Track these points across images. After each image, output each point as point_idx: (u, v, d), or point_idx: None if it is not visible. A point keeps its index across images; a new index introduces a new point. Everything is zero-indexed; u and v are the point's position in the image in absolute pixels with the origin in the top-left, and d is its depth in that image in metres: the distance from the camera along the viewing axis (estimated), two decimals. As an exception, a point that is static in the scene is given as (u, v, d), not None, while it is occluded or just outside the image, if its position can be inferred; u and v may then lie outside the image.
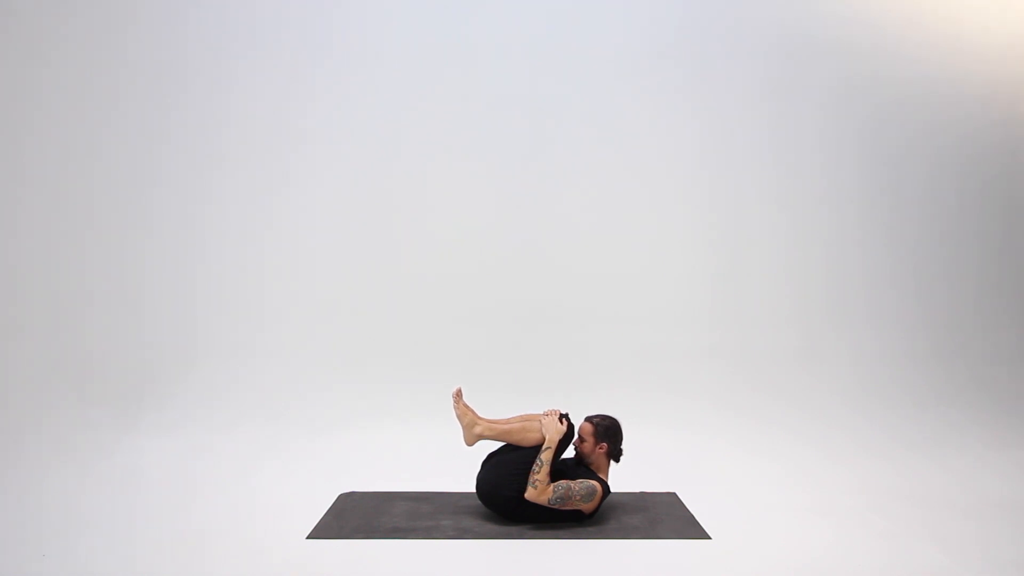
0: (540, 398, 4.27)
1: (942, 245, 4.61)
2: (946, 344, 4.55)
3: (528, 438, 3.04)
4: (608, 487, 3.09)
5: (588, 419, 3.18)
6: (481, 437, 3.10)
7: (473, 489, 3.24)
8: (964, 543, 2.85)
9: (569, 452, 3.21)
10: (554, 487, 2.96)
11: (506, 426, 3.10)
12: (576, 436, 3.17)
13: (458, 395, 3.18)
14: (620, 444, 3.15)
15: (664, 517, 3.13)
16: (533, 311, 4.40)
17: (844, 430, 4.20)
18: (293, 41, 4.40)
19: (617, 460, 3.17)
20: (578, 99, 4.47)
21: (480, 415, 3.16)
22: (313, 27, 4.41)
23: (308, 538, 2.88)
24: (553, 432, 2.99)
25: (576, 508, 2.97)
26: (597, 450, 3.11)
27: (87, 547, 2.77)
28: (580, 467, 3.16)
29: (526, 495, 2.94)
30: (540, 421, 3.05)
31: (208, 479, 3.60)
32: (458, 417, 3.15)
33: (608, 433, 3.12)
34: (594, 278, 4.43)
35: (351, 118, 4.39)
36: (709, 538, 2.89)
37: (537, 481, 2.94)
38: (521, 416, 3.14)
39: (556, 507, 2.95)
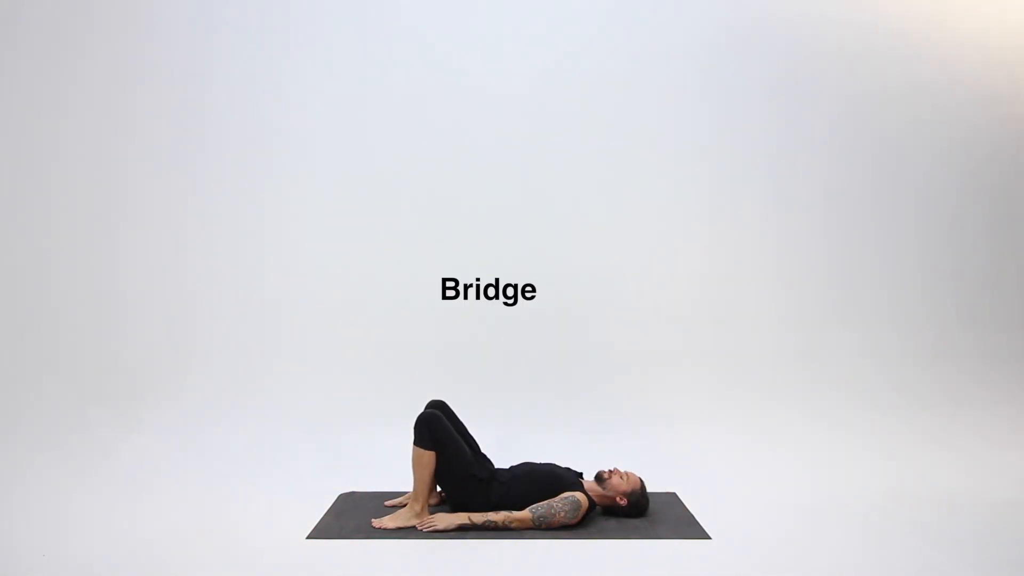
0: (538, 397, 4.27)
1: (944, 244, 4.61)
2: (947, 344, 4.54)
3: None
4: (594, 503, 3.09)
5: (642, 480, 3.18)
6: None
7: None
8: (964, 543, 2.85)
9: (581, 453, 3.20)
10: (531, 509, 2.96)
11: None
12: (620, 470, 3.18)
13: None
14: (631, 515, 3.13)
15: (664, 517, 3.13)
16: (533, 311, 4.39)
17: (845, 430, 4.20)
18: (290, 33, 4.39)
19: (615, 514, 3.15)
20: (579, 99, 4.47)
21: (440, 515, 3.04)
22: (311, 19, 4.40)
23: (308, 538, 2.88)
24: (452, 522, 2.96)
25: (562, 524, 2.97)
26: (619, 499, 3.10)
27: (86, 547, 2.77)
28: (573, 477, 3.15)
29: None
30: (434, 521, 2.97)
31: (207, 479, 3.60)
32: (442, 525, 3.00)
33: (636, 507, 3.12)
34: (593, 278, 4.43)
35: (352, 113, 4.38)
36: (709, 538, 2.89)
37: (512, 522, 2.94)
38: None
39: (542, 527, 2.94)
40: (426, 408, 3.19)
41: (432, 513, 3.06)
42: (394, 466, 3.52)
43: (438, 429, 3.01)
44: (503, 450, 3.62)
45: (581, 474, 3.25)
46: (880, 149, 4.57)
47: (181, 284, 4.30)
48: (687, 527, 3.01)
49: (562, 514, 2.95)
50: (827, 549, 2.79)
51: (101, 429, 3.95)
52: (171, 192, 4.32)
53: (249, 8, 4.36)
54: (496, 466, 3.32)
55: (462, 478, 3.06)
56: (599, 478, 3.15)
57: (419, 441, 3.01)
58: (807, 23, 4.53)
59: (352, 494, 3.44)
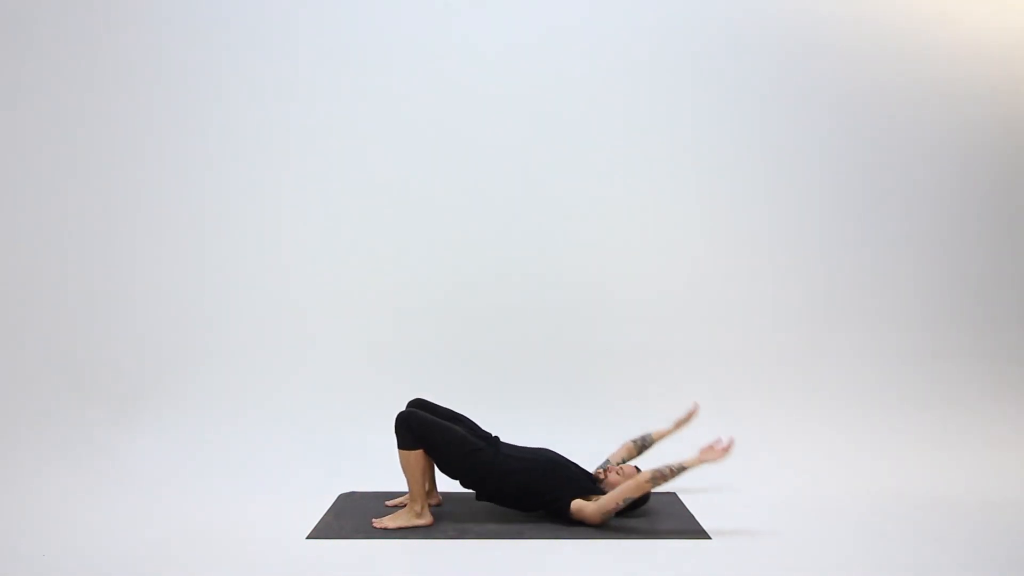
0: (538, 398, 4.27)
1: (943, 243, 4.61)
2: (947, 343, 4.54)
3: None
4: None
5: (637, 469, 3.16)
6: None
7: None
8: (964, 543, 2.85)
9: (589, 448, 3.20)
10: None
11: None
12: (614, 466, 3.17)
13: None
14: (638, 504, 3.11)
15: (664, 517, 3.13)
16: (535, 312, 4.40)
17: (845, 430, 4.20)
18: (302, 37, 4.39)
19: (621, 511, 3.14)
20: (577, 99, 4.47)
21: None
22: (324, 25, 4.41)
23: (308, 538, 2.87)
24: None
25: (584, 518, 2.97)
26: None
27: (87, 547, 2.77)
28: (586, 480, 3.14)
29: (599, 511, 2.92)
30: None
31: (208, 479, 3.60)
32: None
33: (641, 497, 3.08)
34: (593, 278, 4.43)
35: (358, 116, 4.39)
36: (709, 538, 2.89)
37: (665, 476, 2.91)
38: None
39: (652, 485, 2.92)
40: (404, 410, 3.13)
41: (433, 514, 3.05)
42: (394, 466, 3.50)
43: (417, 424, 2.96)
44: (503, 450, 3.61)
45: (596, 480, 3.20)
46: (877, 148, 4.57)
47: (182, 285, 4.30)
48: (687, 527, 3.01)
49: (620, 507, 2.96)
50: (827, 549, 2.79)
51: (101, 429, 3.95)
52: (173, 193, 4.32)
53: (262, 11, 4.36)
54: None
55: (462, 456, 2.98)
56: (594, 480, 3.15)
57: (401, 443, 2.97)
58: (804, 21, 4.53)
59: (352, 494, 3.44)
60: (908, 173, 4.58)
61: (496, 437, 3.19)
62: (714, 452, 2.91)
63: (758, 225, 4.51)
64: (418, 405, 3.20)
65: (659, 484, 2.92)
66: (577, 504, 2.96)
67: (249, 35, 4.36)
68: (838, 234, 4.55)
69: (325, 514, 3.14)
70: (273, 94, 4.36)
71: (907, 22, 4.55)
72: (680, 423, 3.41)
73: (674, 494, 3.43)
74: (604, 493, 3.06)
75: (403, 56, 4.41)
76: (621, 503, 2.92)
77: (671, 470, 2.90)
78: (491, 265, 4.40)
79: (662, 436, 3.42)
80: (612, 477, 3.11)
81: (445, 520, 3.07)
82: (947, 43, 4.57)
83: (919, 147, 4.57)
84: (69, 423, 3.93)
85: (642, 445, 3.41)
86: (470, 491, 3.19)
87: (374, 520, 3.01)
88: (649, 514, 3.15)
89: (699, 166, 4.50)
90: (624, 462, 3.31)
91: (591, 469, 3.29)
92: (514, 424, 3.58)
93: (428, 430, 2.97)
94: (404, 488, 3.34)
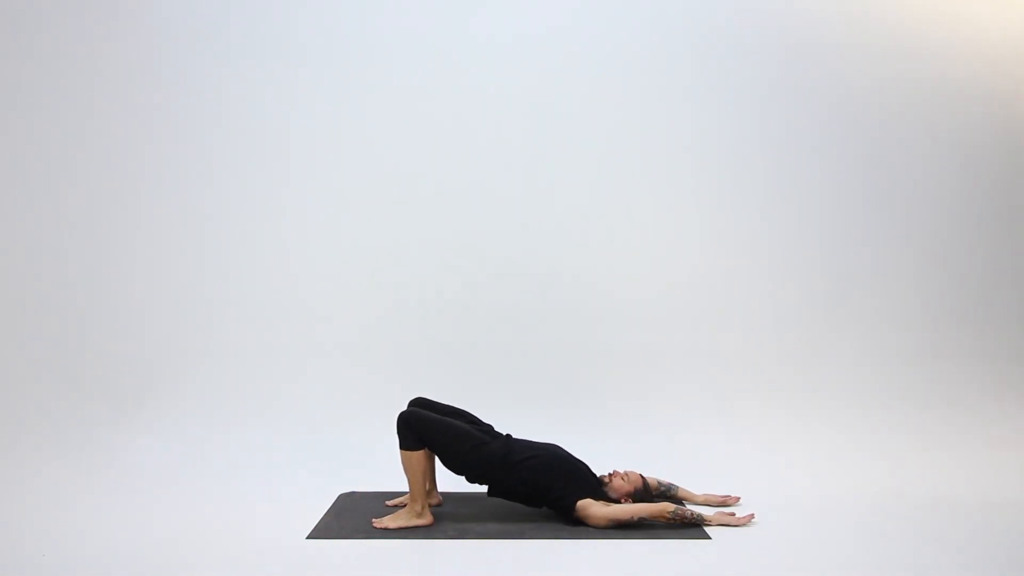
0: (538, 399, 4.27)
1: (942, 243, 4.60)
2: (947, 344, 4.54)
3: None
4: None
5: (642, 476, 3.16)
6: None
7: (472, 489, 3.22)
8: (964, 543, 2.85)
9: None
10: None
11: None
12: (620, 471, 3.16)
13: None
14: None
15: (664, 517, 3.13)
16: (535, 312, 4.39)
17: (845, 431, 4.20)
18: (302, 37, 4.39)
19: None
20: (577, 100, 4.47)
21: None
22: (325, 20, 4.40)
23: (308, 538, 2.87)
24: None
25: (584, 517, 2.96)
26: (624, 500, 3.07)
27: (87, 547, 2.77)
28: (596, 486, 3.13)
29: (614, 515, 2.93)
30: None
31: (208, 479, 3.60)
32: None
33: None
34: (593, 279, 4.43)
35: (357, 117, 4.39)
36: (709, 538, 2.89)
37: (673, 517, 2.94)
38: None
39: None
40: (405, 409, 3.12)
41: (433, 514, 3.05)
42: (394, 466, 3.51)
43: (418, 424, 2.96)
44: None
45: (601, 480, 3.19)
46: (877, 148, 4.57)
47: (183, 286, 4.30)
48: (687, 527, 3.01)
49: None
50: (827, 549, 2.79)
51: (101, 430, 3.95)
52: (173, 193, 4.32)
53: (261, 12, 4.35)
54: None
55: (467, 451, 2.98)
56: (599, 483, 3.14)
57: (403, 444, 2.97)
58: (804, 21, 4.53)
59: (352, 494, 3.44)
60: (908, 173, 4.57)
61: (508, 435, 3.19)
62: (734, 519, 3.01)
63: (758, 225, 4.51)
64: (419, 404, 3.20)
65: (674, 524, 2.94)
66: (584, 503, 2.96)
67: (249, 35, 4.36)
68: (838, 234, 4.54)
69: (325, 514, 3.14)
70: (272, 94, 4.36)
71: (907, 22, 4.54)
72: (709, 501, 3.30)
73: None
74: (607, 496, 3.06)
75: (403, 56, 4.40)
76: (634, 519, 2.93)
77: (692, 516, 2.95)
78: (491, 265, 4.40)
79: (685, 498, 3.31)
80: (617, 482, 3.10)
81: (445, 520, 3.07)
82: (947, 43, 4.57)
83: (919, 147, 4.57)
84: (69, 423, 3.93)
85: (664, 491, 3.29)
86: (470, 492, 3.19)
87: (374, 520, 3.01)
88: (649, 514, 3.15)
89: (699, 166, 4.49)
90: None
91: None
92: (514, 424, 3.58)
93: (430, 428, 2.97)
94: (404, 488, 3.34)
